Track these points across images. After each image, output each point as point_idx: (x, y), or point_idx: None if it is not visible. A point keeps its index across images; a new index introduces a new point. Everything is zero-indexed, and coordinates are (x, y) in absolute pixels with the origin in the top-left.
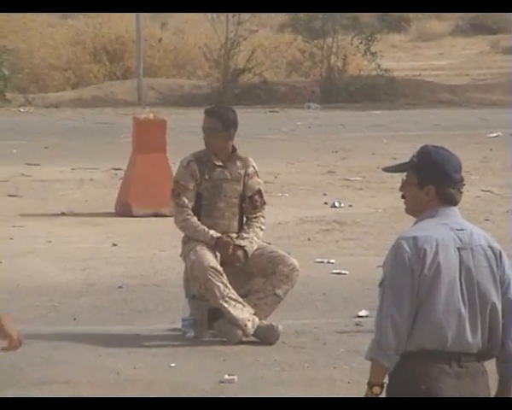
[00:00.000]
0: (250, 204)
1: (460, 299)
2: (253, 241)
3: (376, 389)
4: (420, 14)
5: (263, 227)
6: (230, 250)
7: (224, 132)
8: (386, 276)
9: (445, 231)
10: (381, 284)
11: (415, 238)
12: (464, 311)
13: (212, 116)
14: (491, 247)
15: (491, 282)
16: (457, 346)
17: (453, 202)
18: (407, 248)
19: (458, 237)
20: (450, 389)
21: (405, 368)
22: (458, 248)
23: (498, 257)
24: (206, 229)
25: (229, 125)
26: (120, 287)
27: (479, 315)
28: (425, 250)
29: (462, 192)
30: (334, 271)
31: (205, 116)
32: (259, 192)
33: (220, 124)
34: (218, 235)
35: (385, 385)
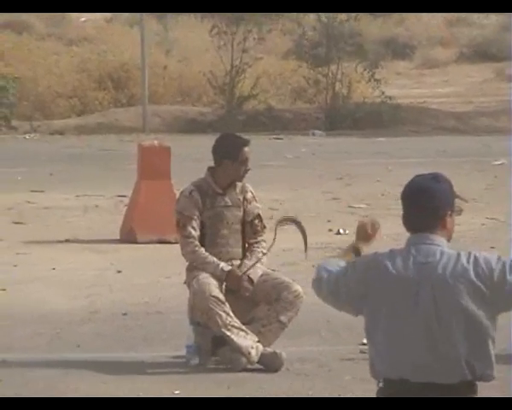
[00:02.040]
0: (251, 229)
1: (416, 331)
2: (257, 267)
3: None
4: (424, 42)
5: (265, 251)
6: (242, 284)
7: None
8: (343, 265)
9: (405, 264)
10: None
11: (374, 261)
12: (422, 342)
13: (249, 145)
14: (461, 278)
15: (459, 313)
16: (421, 377)
17: (412, 228)
18: (370, 260)
19: (419, 270)
20: None
21: (379, 394)
22: (417, 283)
23: (472, 284)
24: (216, 261)
25: None
26: (124, 314)
27: (446, 347)
28: (374, 276)
29: (424, 217)
30: None
31: (246, 148)
32: (259, 216)
33: None
34: (229, 268)
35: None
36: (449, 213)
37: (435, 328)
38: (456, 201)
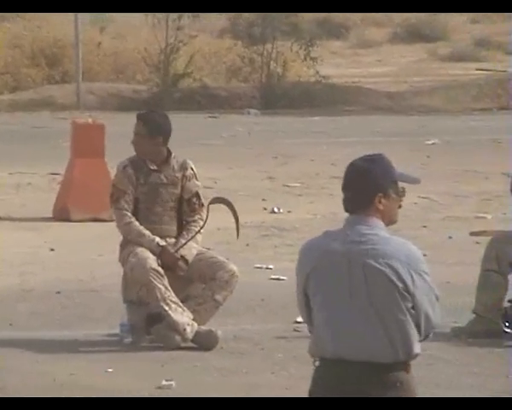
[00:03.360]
0: (188, 207)
1: (349, 310)
2: (193, 247)
3: None
4: (359, 21)
5: (201, 231)
6: (176, 263)
7: (148, 138)
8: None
9: (339, 242)
10: None
11: (308, 244)
12: (356, 321)
13: (139, 121)
14: (388, 262)
15: (387, 294)
16: (355, 355)
17: (347, 209)
18: (300, 254)
19: (351, 249)
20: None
21: (315, 372)
22: (349, 261)
23: (396, 272)
24: (151, 235)
25: (156, 130)
26: (58, 292)
27: (377, 326)
28: (311, 258)
29: (356, 199)
30: (273, 276)
31: (137, 120)
32: (197, 195)
33: (145, 129)
34: (163, 243)
35: None
36: (380, 194)
37: (367, 307)
38: (404, 182)
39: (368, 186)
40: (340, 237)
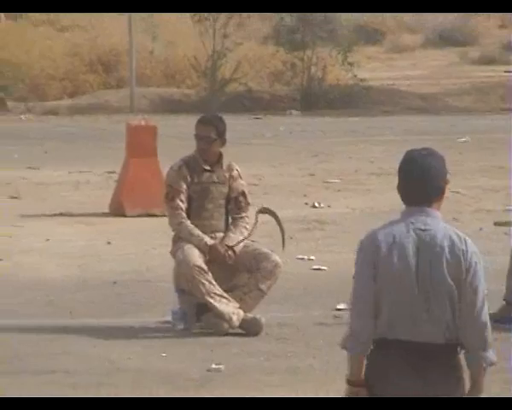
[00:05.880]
0: (235, 205)
1: (415, 294)
2: (239, 240)
3: (351, 389)
4: (393, 27)
5: (247, 226)
6: (222, 259)
7: (218, 140)
8: (355, 269)
9: (405, 230)
10: (353, 277)
11: (374, 233)
12: (420, 304)
13: (209, 125)
14: (453, 248)
15: (450, 281)
16: (416, 336)
17: (410, 201)
18: (366, 243)
19: (418, 236)
20: (406, 379)
21: (371, 354)
22: (417, 247)
23: (461, 257)
24: (201, 234)
25: (223, 133)
26: (114, 282)
27: (437, 310)
28: (379, 246)
29: (425, 192)
30: (315, 267)
31: (199, 125)
32: (243, 193)
33: (215, 132)
34: (212, 242)
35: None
36: (446, 185)
37: (429, 291)
38: None
39: (440, 179)
40: (406, 227)
